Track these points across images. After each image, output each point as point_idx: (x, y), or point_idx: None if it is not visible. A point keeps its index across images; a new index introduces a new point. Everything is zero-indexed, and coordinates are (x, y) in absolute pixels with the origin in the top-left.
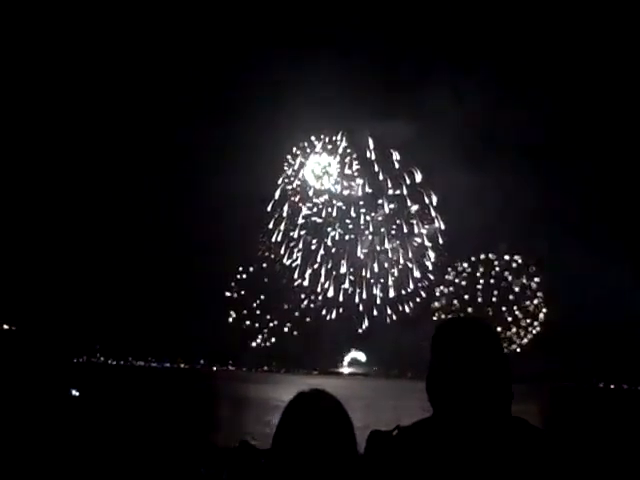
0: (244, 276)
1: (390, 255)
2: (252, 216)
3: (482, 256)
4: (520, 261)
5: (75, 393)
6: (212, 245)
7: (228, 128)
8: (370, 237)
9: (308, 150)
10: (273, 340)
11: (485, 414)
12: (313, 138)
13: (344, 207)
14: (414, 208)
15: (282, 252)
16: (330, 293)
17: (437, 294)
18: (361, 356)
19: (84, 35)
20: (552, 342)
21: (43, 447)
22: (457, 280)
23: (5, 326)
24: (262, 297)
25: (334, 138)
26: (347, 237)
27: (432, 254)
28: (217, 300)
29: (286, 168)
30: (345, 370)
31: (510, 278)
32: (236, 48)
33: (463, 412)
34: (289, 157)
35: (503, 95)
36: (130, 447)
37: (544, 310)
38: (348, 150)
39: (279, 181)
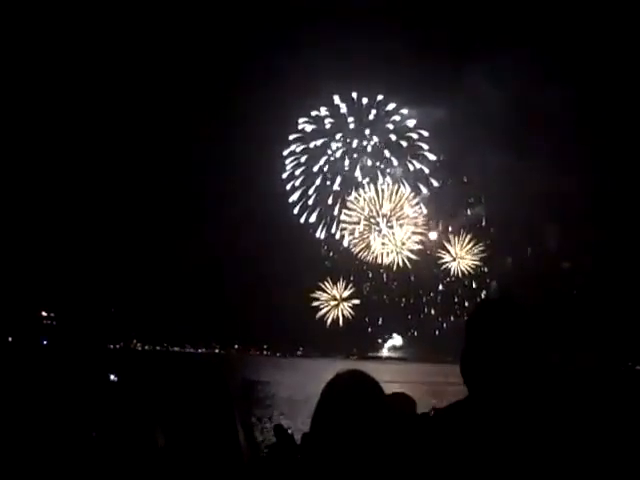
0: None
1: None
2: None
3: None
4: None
5: (113, 378)
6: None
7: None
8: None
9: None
10: (310, 325)
11: (520, 395)
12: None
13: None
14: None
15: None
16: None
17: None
18: (397, 340)
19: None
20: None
21: (82, 429)
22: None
23: (44, 313)
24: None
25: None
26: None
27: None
28: (253, 285)
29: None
30: (383, 354)
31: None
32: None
33: (497, 393)
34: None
35: (547, 73)
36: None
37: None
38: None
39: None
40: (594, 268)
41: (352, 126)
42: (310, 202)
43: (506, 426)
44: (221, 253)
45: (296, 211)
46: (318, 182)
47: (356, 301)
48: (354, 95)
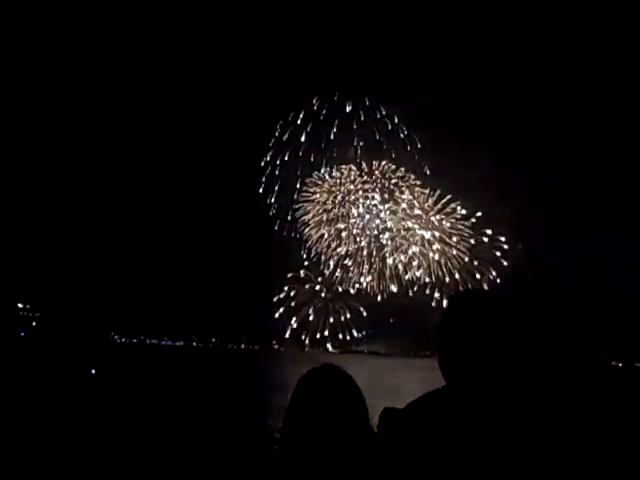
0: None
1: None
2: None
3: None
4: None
5: (92, 371)
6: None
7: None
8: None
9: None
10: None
11: (499, 386)
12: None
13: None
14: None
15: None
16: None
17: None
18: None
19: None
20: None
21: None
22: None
23: (19, 304)
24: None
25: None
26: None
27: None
28: (233, 276)
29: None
30: (365, 349)
31: None
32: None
33: (476, 384)
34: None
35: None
36: (140, 426)
37: None
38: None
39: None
40: (574, 263)
41: (332, 137)
42: (289, 218)
43: (481, 417)
44: (202, 247)
45: (276, 227)
46: (296, 197)
47: (363, 312)
48: (335, 97)
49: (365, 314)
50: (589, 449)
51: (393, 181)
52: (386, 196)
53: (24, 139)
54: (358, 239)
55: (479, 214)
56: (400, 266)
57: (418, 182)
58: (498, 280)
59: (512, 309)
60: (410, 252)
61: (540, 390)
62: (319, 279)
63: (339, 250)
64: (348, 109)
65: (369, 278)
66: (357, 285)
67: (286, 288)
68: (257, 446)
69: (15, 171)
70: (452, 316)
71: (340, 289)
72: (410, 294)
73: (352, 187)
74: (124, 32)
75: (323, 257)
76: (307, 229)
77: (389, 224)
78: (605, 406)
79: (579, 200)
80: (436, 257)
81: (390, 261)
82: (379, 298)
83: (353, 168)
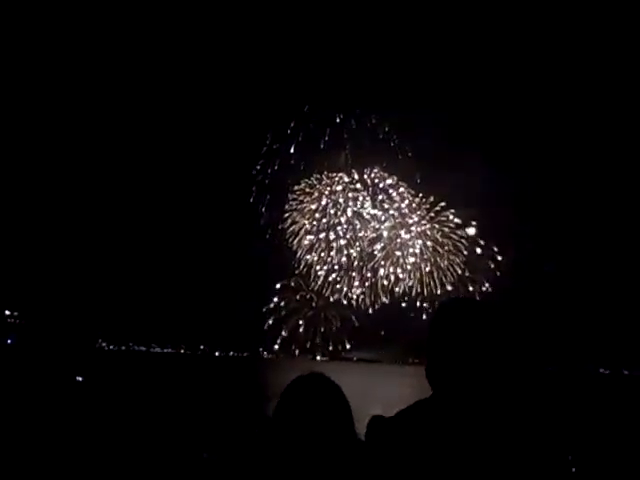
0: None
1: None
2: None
3: None
4: None
5: (79, 379)
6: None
7: None
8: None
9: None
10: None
11: (485, 395)
12: None
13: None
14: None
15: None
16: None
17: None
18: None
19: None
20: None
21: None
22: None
23: (7, 312)
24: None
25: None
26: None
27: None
28: (223, 284)
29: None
30: (354, 356)
31: None
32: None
33: (463, 394)
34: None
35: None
36: (131, 433)
37: None
38: None
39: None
40: (561, 271)
41: (323, 145)
42: (280, 227)
43: (467, 426)
44: (192, 254)
45: (267, 236)
46: (287, 206)
47: (354, 322)
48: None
49: (356, 324)
50: (576, 458)
51: (384, 189)
52: (377, 204)
53: (15, 149)
54: (347, 251)
55: (473, 223)
56: (392, 277)
57: (410, 191)
58: (490, 289)
59: (499, 318)
60: (401, 262)
61: (526, 398)
62: (310, 288)
63: (329, 260)
64: (338, 120)
65: (359, 291)
66: (349, 295)
67: (276, 297)
68: (249, 455)
69: (3, 182)
70: (439, 324)
71: (331, 299)
72: (402, 305)
73: (342, 195)
74: (119, 47)
75: (313, 268)
76: (297, 238)
77: (380, 233)
78: (592, 414)
79: (569, 207)
80: (427, 269)
81: (381, 272)
82: (370, 311)
83: (344, 176)
